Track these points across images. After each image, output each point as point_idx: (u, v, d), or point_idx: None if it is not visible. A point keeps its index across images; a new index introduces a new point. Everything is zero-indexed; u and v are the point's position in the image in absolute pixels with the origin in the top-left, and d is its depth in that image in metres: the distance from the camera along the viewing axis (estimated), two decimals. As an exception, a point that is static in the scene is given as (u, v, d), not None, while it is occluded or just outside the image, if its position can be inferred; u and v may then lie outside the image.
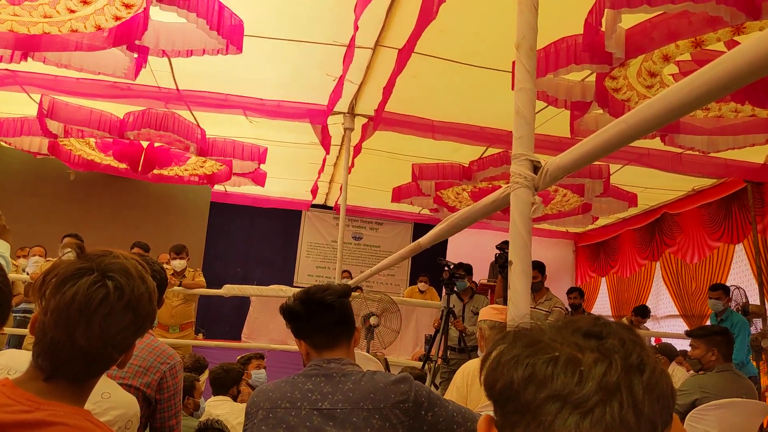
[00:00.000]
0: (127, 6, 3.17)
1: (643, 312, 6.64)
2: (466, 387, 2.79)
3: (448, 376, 5.05)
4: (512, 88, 3.72)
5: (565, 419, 0.52)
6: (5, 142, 6.28)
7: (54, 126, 5.48)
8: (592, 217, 6.82)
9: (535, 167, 1.19)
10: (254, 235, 10.10)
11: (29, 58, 3.80)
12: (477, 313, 5.22)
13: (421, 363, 4.99)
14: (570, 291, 6.21)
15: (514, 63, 3.55)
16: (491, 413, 0.61)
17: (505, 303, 4.59)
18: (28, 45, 3.64)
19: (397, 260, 2.67)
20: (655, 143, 4.37)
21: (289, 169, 7.55)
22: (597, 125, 3.98)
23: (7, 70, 4.69)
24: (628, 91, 3.53)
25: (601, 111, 3.79)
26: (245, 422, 1.56)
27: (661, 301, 8.10)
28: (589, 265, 9.84)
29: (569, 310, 6.08)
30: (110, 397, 1.51)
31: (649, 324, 7.17)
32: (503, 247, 4.64)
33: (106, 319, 0.93)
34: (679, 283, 7.43)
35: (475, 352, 5.13)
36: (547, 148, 5.01)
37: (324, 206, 9.95)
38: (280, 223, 10.11)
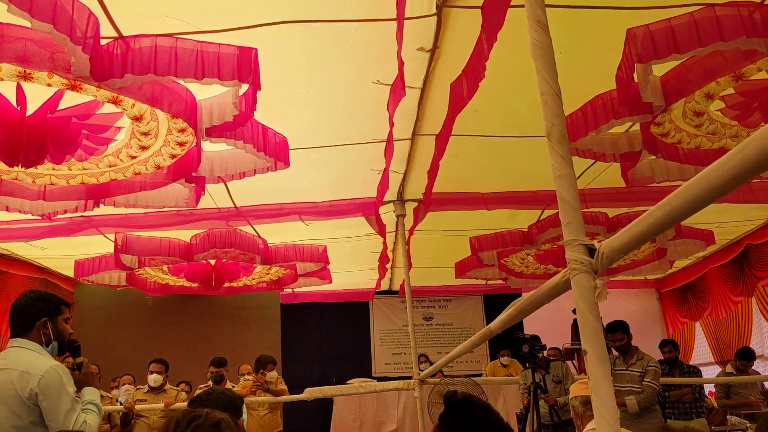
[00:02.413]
0: (181, 144, 3.42)
1: (747, 354, 6.11)
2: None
3: (546, 454, 4.77)
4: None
5: None
6: (87, 281, 6.70)
7: (128, 259, 5.82)
8: (669, 262, 6.50)
9: (591, 250, 1.17)
10: (326, 332, 10.14)
11: (101, 204, 4.11)
12: (558, 382, 4.97)
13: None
14: (662, 345, 5.84)
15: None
16: None
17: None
18: (98, 193, 3.96)
19: (469, 347, 2.61)
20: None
21: (350, 262, 7.65)
22: (652, 171, 3.89)
23: (82, 216, 5.07)
24: (677, 133, 3.45)
25: (653, 157, 3.71)
26: None
27: (766, 338, 7.47)
28: (678, 311, 9.24)
29: (666, 366, 5.69)
30: None
31: (757, 366, 6.60)
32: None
33: None
34: (781, 316, 6.87)
35: (571, 426, 4.83)
36: (605, 200, 4.91)
37: (390, 291, 9.94)
38: (350, 316, 10.13)
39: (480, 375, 7.62)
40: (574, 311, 4.45)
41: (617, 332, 4.39)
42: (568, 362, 6.84)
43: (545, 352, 5.20)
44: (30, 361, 2.23)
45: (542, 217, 5.65)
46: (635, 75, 2.70)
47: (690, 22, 2.40)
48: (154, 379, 5.55)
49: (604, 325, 4.63)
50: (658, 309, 9.77)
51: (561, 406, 4.81)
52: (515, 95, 3.41)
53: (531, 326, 8.23)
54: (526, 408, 4.70)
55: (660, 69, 2.82)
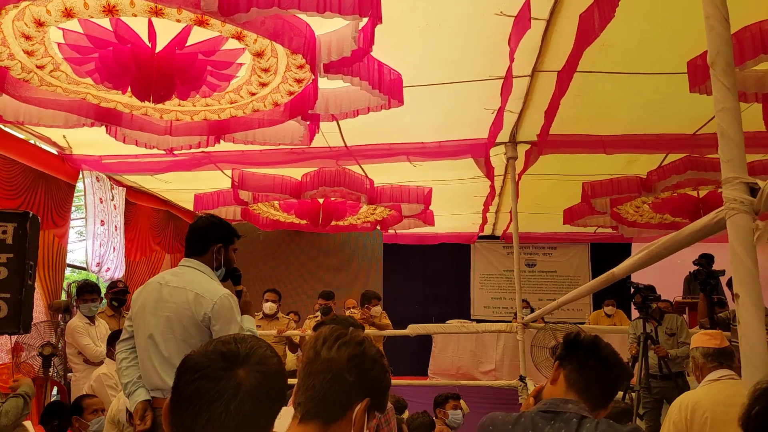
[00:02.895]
0: (299, 81, 3.49)
1: None
2: (685, 422, 2.53)
3: (651, 405, 4.62)
4: (690, 90, 3.40)
5: None
6: (206, 213, 7.19)
7: (245, 195, 6.16)
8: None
9: (753, 189, 1.07)
10: (427, 273, 10.29)
11: (221, 140, 4.34)
12: (671, 335, 4.74)
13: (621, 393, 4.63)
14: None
15: (689, 63, 3.26)
16: None
17: (710, 324, 4.12)
18: (219, 129, 4.17)
19: (586, 291, 2.54)
20: None
21: (455, 205, 7.62)
22: (801, 114, 3.49)
23: (202, 152, 5.39)
24: (839, 70, 3.05)
25: (804, 97, 3.32)
26: None
27: None
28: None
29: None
30: None
31: None
32: (703, 262, 4.19)
33: None
34: None
35: (682, 378, 4.64)
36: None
37: (492, 236, 9.85)
38: (452, 258, 10.18)
39: (583, 323, 7.46)
40: (695, 263, 4.17)
41: None
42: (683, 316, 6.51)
43: (658, 304, 4.97)
44: (205, 285, 2.35)
45: (664, 163, 5.28)
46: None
47: None
48: (269, 307, 5.92)
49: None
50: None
51: (672, 359, 4.61)
52: (652, 27, 3.13)
53: (638, 277, 7.87)
54: (634, 358, 4.55)
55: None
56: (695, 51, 3.13)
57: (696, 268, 4.41)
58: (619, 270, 1.98)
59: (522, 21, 2.62)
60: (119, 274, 6.24)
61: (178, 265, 2.50)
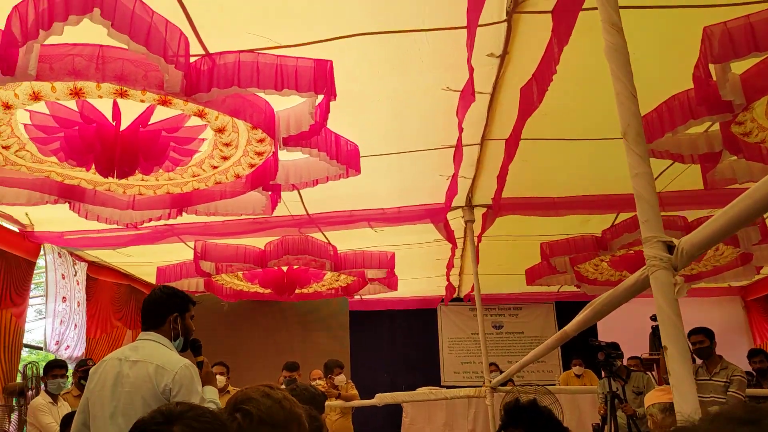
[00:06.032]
0: (259, 154, 3.59)
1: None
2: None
3: (623, 464, 4.61)
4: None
5: None
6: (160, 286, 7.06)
7: (207, 266, 6.12)
8: (755, 268, 6.16)
9: (669, 247, 1.17)
10: (395, 339, 10.21)
11: (183, 213, 4.37)
12: (639, 393, 4.80)
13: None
14: (752, 354, 5.54)
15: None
16: None
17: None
18: (182, 202, 4.21)
19: (544, 351, 2.60)
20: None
21: (419, 269, 7.70)
22: (734, 172, 3.74)
23: (165, 224, 5.38)
24: (760, 132, 3.31)
25: (734, 157, 3.57)
26: None
27: None
28: (766, 320, 8.72)
29: (753, 375, 5.39)
30: None
31: None
32: (655, 317, 4.32)
33: None
34: None
35: (651, 436, 4.66)
36: (684, 203, 4.74)
37: (458, 299, 9.90)
38: (419, 323, 10.16)
39: (553, 385, 7.46)
40: (653, 318, 4.29)
41: (698, 334, 4.22)
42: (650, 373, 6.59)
43: (626, 362, 5.04)
44: (165, 356, 2.33)
45: (616, 222, 5.50)
46: (713, 72, 2.63)
47: (772, 16, 2.32)
48: (218, 380, 5.74)
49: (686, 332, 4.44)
50: (744, 318, 9.24)
51: (640, 417, 4.65)
52: (586, 98, 3.37)
53: (607, 336, 7.98)
54: (603, 418, 4.58)
55: (739, 67, 2.73)
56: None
57: (655, 323, 4.54)
58: (570, 328, 2.06)
59: (466, 95, 2.80)
60: (79, 352, 6.04)
61: (136, 339, 2.48)
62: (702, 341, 4.18)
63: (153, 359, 2.31)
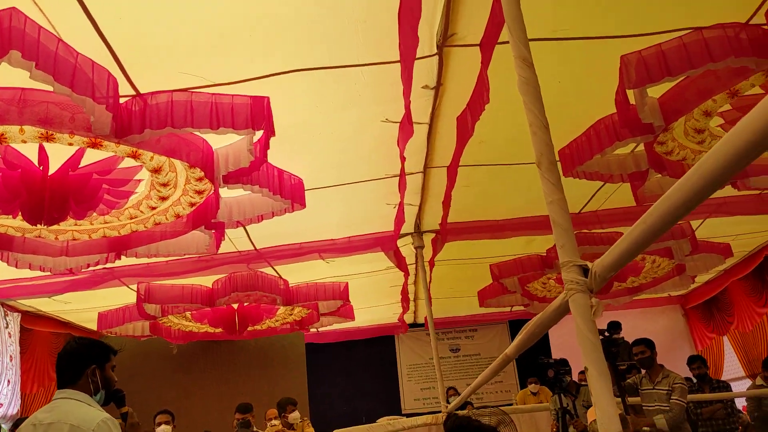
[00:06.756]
0: (199, 192, 3.54)
1: (771, 365, 5.99)
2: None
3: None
4: (564, 175, 3.75)
5: None
6: (111, 332, 6.78)
7: (151, 308, 5.92)
8: (690, 277, 6.44)
9: (585, 270, 1.22)
10: (353, 369, 10.11)
11: (123, 256, 4.23)
12: (589, 407, 4.90)
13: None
14: (691, 361, 5.75)
15: (560, 152, 3.61)
16: None
17: (619, 391, 4.29)
18: (120, 245, 4.08)
19: (490, 375, 2.63)
20: (729, 191, 4.21)
21: (373, 297, 7.69)
22: (662, 188, 3.92)
23: (104, 268, 5.21)
24: (681, 150, 3.50)
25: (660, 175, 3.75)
26: None
27: (797, 349, 7.29)
28: (705, 326, 9.08)
29: (694, 382, 5.58)
30: None
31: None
32: (605, 331, 4.44)
33: None
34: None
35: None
36: (619, 220, 4.93)
37: (415, 324, 9.91)
38: (376, 352, 10.10)
39: (510, 405, 7.51)
40: (601, 332, 4.40)
41: (639, 345, 4.36)
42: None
43: (577, 376, 5.14)
44: (80, 414, 2.15)
45: (559, 241, 5.66)
46: (631, 96, 2.78)
47: (680, 46, 2.48)
48: (162, 429, 5.53)
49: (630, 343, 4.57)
50: (685, 325, 9.61)
51: (592, 432, 4.73)
52: (519, 124, 3.48)
53: (561, 350, 8.13)
54: (556, 434, 4.64)
55: (657, 90, 2.89)
56: (560, 142, 3.51)
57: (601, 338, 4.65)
58: (510, 351, 2.10)
59: (405, 127, 2.86)
60: (14, 410, 5.71)
61: (51, 399, 2.31)
62: (643, 351, 4.32)
63: (68, 419, 2.13)
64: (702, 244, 5.53)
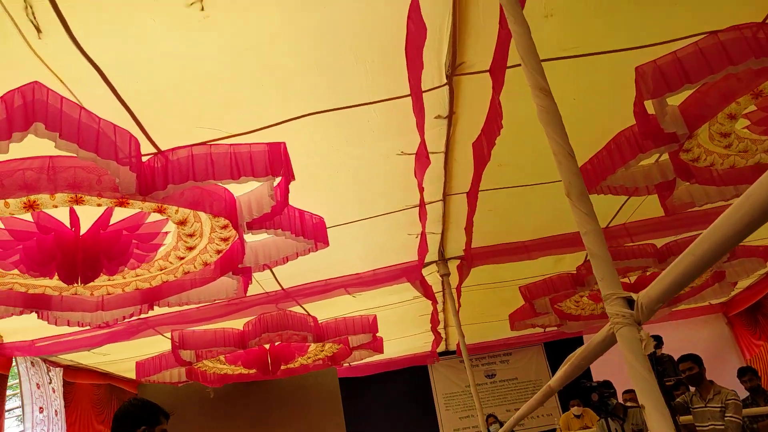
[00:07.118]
0: (224, 239, 3.56)
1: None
2: None
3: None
4: (588, 191, 3.70)
5: None
6: (149, 380, 6.83)
7: (186, 354, 5.94)
8: (730, 284, 6.24)
9: (630, 302, 1.18)
10: (389, 402, 9.96)
11: (155, 306, 4.27)
12: (639, 430, 4.72)
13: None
14: (741, 374, 5.52)
15: (581, 168, 3.56)
16: None
17: (669, 411, 4.13)
18: (152, 296, 4.12)
19: (535, 406, 2.55)
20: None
21: (403, 328, 7.61)
22: (691, 196, 3.83)
23: (139, 319, 5.25)
24: (708, 156, 3.42)
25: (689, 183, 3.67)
26: None
27: None
28: (751, 333, 8.75)
29: (749, 394, 5.36)
30: None
31: None
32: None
33: None
34: None
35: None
36: (649, 231, 4.82)
37: (447, 352, 9.76)
38: (411, 383, 9.95)
39: (554, 430, 7.31)
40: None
41: (686, 361, 4.20)
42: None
43: (621, 398, 4.98)
44: None
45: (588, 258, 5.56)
46: (650, 106, 2.73)
47: (696, 52, 2.44)
48: None
49: (675, 360, 4.42)
50: (730, 334, 9.28)
51: (643, 454, 4.56)
52: (536, 144, 3.45)
53: (601, 369, 7.91)
54: (606, 459, 4.48)
55: (676, 99, 2.84)
56: (580, 159, 3.46)
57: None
58: (554, 383, 2.03)
59: (421, 158, 2.84)
60: (59, 464, 5.74)
61: None
62: (691, 368, 4.16)
63: None
64: (740, 248, 5.38)
